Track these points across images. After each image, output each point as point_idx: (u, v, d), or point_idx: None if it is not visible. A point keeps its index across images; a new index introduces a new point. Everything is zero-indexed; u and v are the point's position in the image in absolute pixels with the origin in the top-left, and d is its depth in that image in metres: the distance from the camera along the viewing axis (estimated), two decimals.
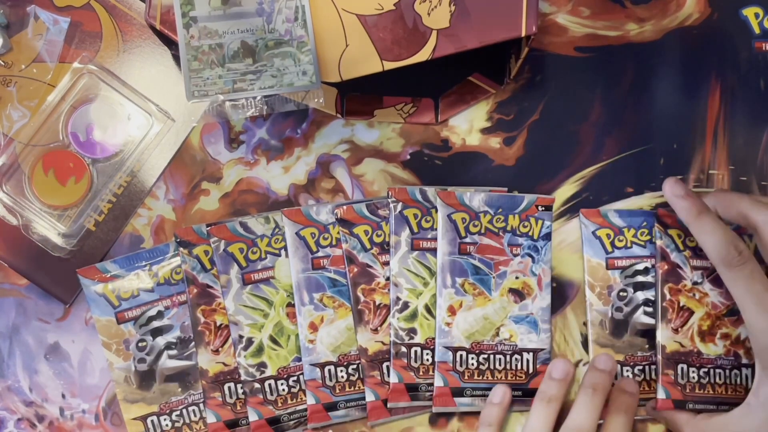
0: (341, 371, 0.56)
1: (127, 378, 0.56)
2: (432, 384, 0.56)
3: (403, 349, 0.56)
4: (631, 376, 0.56)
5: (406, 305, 0.56)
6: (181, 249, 0.56)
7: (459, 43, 0.52)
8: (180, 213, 0.59)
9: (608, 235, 0.57)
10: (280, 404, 0.56)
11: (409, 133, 0.60)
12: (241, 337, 0.56)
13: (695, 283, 0.56)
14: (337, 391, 0.56)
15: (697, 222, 0.52)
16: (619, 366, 0.56)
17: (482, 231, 0.57)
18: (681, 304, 0.55)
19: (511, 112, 0.60)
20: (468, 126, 0.60)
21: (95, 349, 0.58)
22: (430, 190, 0.57)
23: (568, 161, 0.60)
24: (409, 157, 0.60)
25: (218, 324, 0.56)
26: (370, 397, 0.55)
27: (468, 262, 0.56)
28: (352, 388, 0.56)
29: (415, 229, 0.56)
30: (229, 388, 0.56)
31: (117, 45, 0.58)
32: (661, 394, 0.55)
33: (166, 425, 0.56)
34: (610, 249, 0.57)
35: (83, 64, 0.58)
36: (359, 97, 0.60)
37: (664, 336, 0.55)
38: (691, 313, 0.55)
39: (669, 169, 0.60)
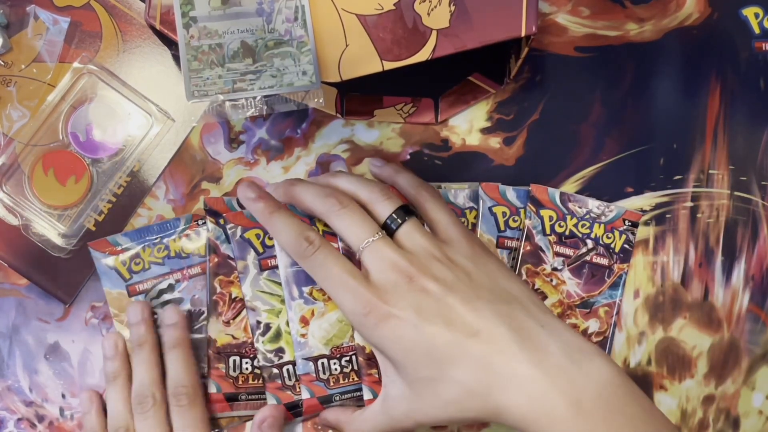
0: (334, 364, 0.56)
1: None
2: None
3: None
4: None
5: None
6: (209, 217, 0.56)
7: (459, 43, 0.52)
8: (180, 213, 0.59)
9: (504, 214, 0.57)
10: (298, 389, 0.56)
11: (409, 133, 0.60)
12: (258, 322, 0.56)
13: (554, 269, 0.55)
14: (332, 383, 0.56)
15: (270, 222, 0.52)
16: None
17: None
18: (536, 287, 0.55)
19: (511, 112, 0.60)
20: (468, 126, 0.60)
21: (95, 349, 0.58)
22: None
23: (568, 161, 0.60)
24: (409, 157, 0.60)
25: (233, 296, 0.56)
26: (367, 395, 0.55)
27: None
28: (347, 380, 0.56)
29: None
30: (234, 361, 0.56)
31: (117, 45, 0.58)
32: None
33: None
34: (502, 228, 0.57)
35: (83, 64, 0.58)
36: (359, 97, 0.60)
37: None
38: (545, 297, 0.55)
39: (669, 169, 0.60)
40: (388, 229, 0.51)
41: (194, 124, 0.59)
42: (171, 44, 0.57)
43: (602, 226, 0.58)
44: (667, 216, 0.60)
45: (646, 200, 0.60)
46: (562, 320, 0.48)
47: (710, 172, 0.60)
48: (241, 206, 0.56)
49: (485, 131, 0.60)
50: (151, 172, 0.59)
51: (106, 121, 0.58)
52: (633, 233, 0.58)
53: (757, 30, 0.61)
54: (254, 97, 0.52)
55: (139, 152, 0.58)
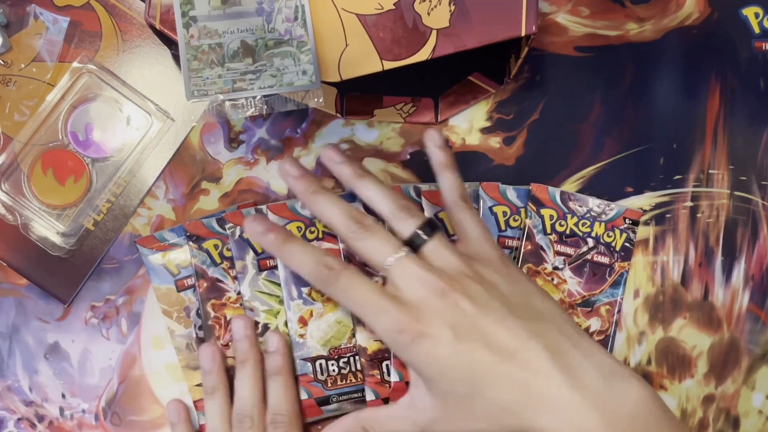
0: (332, 365, 0.56)
1: (188, 345, 0.56)
2: None
3: None
4: None
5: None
6: (191, 243, 0.56)
7: (459, 42, 0.52)
8: (180, 213, 0.59)
9: (504, 213, 0.57)
10: None
11: (409, 132, 0.60)
12: (257, 323, 0.56)
13: (555, 268, 0.56)
14: (329, 385, 0.56)
15: (283, 253, 0.51)
16: None
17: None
18: None
19: (511, 111, 0.60)
20: (468, 126, 0.60)
21: (95, 349, 0.58)
22: (425, 188, 0.57)
23: (568, 161, 0.60)
24: (409, 156, 0.60)
25: (228, 318, 0.56)
26: (370, 396, 0.55)
27: None
28: (344, 382, 0.56)
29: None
30: None
31: (116, 44, 0.58)
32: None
33: None
34: (503, 227, 0.57)
35: (83, 63, 0.58)
36: (359, 96, 0.60)
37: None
38: None
39: (669, 169, 0.60)
40: (413, 245, 0.50)
41: (194, 124, 0.58)
42: (171, 44, 0.57)
43: (603, 224, 0.58)
44: (667, 216, 0.60)
45: (646, 200, 0.60)
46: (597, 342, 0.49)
47: (710, 172, 0.60)
48: (222, 227, 0.56)
49: (485, 131, 0.60)
50: (151, 171, 0.59)
51: (106, 120, 0.58)
52: (634, 231, 0.58)
53: (757, 30, 0.61)
54: (254, 97, 0.52)
55: (138, 152, 0.58)
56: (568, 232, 0.57)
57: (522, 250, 0.56)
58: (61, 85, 0.57)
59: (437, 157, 0.54)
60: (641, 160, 0.60)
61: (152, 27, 0.53)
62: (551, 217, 0.56)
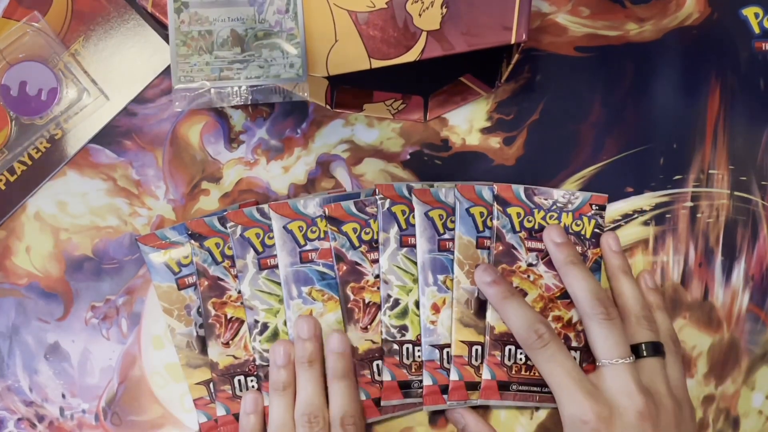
0: None
1: (189, 343, 0.56)
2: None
3: (395, 346, 0.56)
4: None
5: (396, 302, 0.56)
6: (192, 241, 0.56)
7: (448, 46, 0.52)
8: (180, 213, 0.59)
9: (481, 214, 0.57)
10: None
11: (409, 133, 0.60)
12: (256, 321, 0.56)
13: (530, 265, 0.56)
14: None
15: (502, 307, 0.54)
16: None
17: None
18: (514, 286, 0.55)
19: (511, 112, 0.60)
20: (468, 126, 0.60)
21: (95, 349, 0.58)
22: (417, 186, 0.57)
23: (568, 161, 0.60)
24: (408, 157, 0.60)
25: (229, 317, 0.56)
26: (361, 396, 0.55)
27: (448, 259, 0.56)
28: None
29: (404, 226, 0.56)
30: (239, 381, 0.56)
31: (66, 10, 0.58)
32: (486, 375, 0.55)
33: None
34: (481, 228, 0.57)
35: (29, 22, 0.57)
36: (350, 90, 0.60)
37: (494, 318, 0.55)
38: (525, 294, 0.55)
39: (669, 169, 0.60)
40: (636, 352, 0.53)
41: (178, 109, 0.58)
42: (163, 26, 0.57)
43: (570, 214, 0.57)
44: (667, 216, 0.60)
45: (646, 200, 0.60)
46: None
47: (710, 172, 0.60)
48: (224, 226, 0.56)
49: (485, 131, 0.60)
50: (73, 143, 0.58)
51: (40, 83, 0.57)
52: (602, 217, 0.58)
53: (757, 30, 0.61)
54: (240, 87, 0.52)
55: (64, 120, 0.57)
56: (536, 227, 0.57)
57: (493, 252, 0.56)
58: (2, 38, 0.57)
59: (645, 295, 0.57)
60: (641, 160, 0.60)
61: (144, 9, 0.53)
62: (518, 214, 0.56)
